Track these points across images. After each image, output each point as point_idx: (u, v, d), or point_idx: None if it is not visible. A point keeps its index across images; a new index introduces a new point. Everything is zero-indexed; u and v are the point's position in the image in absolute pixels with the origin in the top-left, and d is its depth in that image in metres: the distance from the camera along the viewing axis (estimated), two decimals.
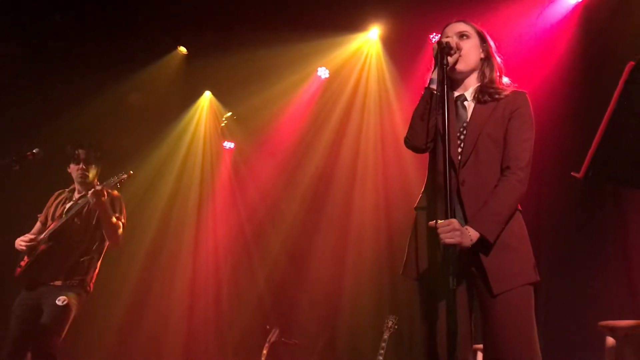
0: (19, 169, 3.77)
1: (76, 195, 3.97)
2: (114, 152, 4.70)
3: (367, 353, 5.07)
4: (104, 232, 3.83)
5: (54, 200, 4.04)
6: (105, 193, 3.71)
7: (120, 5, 5.83)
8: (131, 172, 3.86)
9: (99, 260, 3.92)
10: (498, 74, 2.35)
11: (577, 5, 4.76)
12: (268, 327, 5.35)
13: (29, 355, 3.59)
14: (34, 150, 3.85)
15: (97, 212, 3.77)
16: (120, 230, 3.86)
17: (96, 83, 5.96)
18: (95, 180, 3.97)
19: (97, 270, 3.91)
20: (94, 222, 3.86)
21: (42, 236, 3.79)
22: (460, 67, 2.29)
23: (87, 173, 3.91)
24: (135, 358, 6.01)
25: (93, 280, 3.87)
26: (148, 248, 6.41)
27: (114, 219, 3.80)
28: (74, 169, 3.95)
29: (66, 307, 3.60)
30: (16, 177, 3.92)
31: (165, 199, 6.72)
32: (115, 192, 3.94)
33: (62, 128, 5.54)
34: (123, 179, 3.78)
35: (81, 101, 5.91)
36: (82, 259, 3.80)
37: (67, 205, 3.91)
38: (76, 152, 3.94)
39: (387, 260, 5.63)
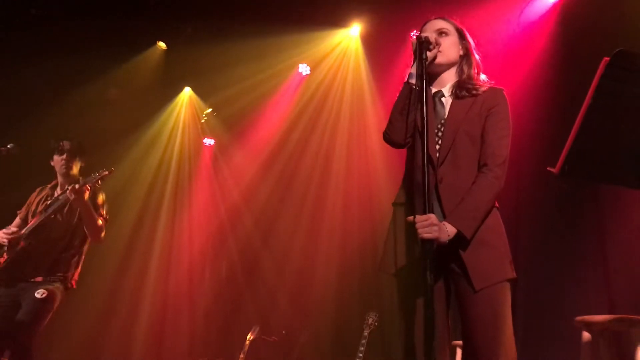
0: None
1: (58, 191, 3.91)
2: (92, 149, 4.65)
3: (347, 350, 5.07)
4: (85, 229, 3.77)
5: (35, 197, 3.98)
6: (87, 189, 3.66)
7: None
8: (113, 168, 3.81)
9: (81, 257, 3.87)
10: (476, 71, 2.36)
11: (555, 4, 4.81)
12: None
13: (6, 352, 3.53)
14: (8, 146, 3.80)
15: (79, 209, 3.72)
16: (103, 227, 3.82)
17: (74, 78, 5.88)
18: (78, 175, 3.92)
19: (79, 268, 3.86)
20: (75, 219, 3.81)
21: (22, 232, 3.73)
22: (439, 60, 2.31)
23: (70, 164, 3.87)
24: (111, 354, 5.96)
25: (75, 278, 3.81)
26: (124, 244, 6.35)
27: (96, 216, 3.75)
28: (57, 161, 3.90)
29: (45, 301, 3.55)
30: None
31: (142, 195, 6.67)
32: (97, 188, 3.89)
33: (39, 124, 5.46)
34: (104, 175, 3.72)
35: (59, 96, 5.83)
36: (63, 256, 3.74)
37: (49, 202, 3.85)
38: (60, 143, 3.89)
39: (367, 256, 5.64)
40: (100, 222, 3.79)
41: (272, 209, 6.47)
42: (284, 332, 5.57)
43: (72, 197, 3.59)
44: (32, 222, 3.76)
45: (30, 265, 3.67)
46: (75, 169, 3.92)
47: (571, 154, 1.49)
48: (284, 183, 6.44)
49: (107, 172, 3.73)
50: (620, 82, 1.44)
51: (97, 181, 3.72)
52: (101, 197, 3.90)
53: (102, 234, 3.84)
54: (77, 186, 3.60)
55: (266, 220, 6.50)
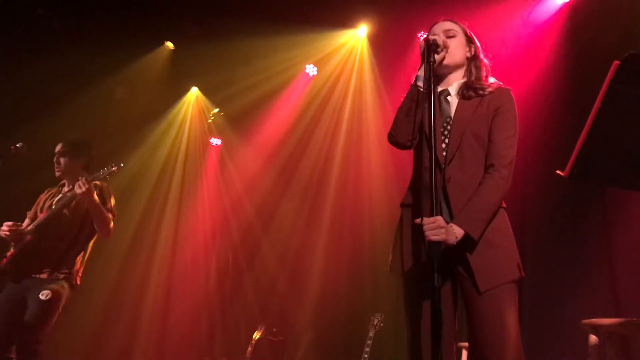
0: (2, 164, 3.72)
1: (65, 189, 3.92)
2: (99, 148, 4.66)
3: (352, 350, 5.07)
4: (94, 224, 3.76)
5: (44, 196, 3.99)
6: (92, 185, 3.66)
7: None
8: (121, 164, 3.81)
9: (86, 253, 3.86)
10: (484, 73, 2.36)
11: (564, 6, 4.80)
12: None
13: (13, 349, 3.54)
14: (17, 145, 3.80)
15: (86, 204, 3.72)
16: (111, 222, 3.80)
17: (82, 78, 5.91)
18: (84, 173, 3.91)
19: (84, 264, 3.85)
20: (82, 215, 3.79)
21: (29, 227, 3.74)
22: (446, 61, 2.30)
23: (65, 167, 3.86)
24: (116, 351, 5.97)
25: (80, 274, 3.80)
26: (129, 243, 6.38)
27: (105, 211, 3.75)
28: (54, 163, 3.91)
29: (50, 302, 3.53)
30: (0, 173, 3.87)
31: (147, 194, 6.69)
32: (104, 183, 3.90)
33: (47, 122, 5.48)
34: (113, 171, 3.73)
35: (67, 95, 5.85)
36: (69, 252, 3.73)
37: (56, 199, 3.86)
38: (56, 147, 3.92)
39: (372, 257, 5.65)
40: (107, 215, 3.78)
41: (279, 210, 6.49)
42: (280, 338, 5.55)
43: (80, 190, 3.58)
44: (39, 218, 3.77)
45: (36, 260, 3.67)
46: (76, 169, 3.88)
47: (580, 158, 1.48)
48: (291, 184, 6.45)
49: (115, 168, 3.74)
50: (630, 85, 1.44)
51: (105, 177, 3.73)
52: (107, 191, 3.90)
53: (111, 229, 3.82)
54: (84, 180, 3.59)
55: (273, 220, 6.50)
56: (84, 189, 3.57)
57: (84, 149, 3.99)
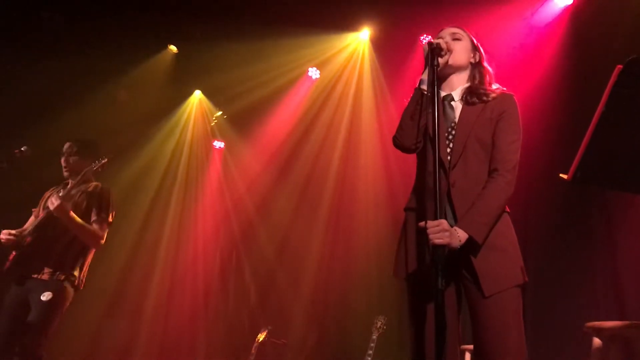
0: (6, 166, 3.74)
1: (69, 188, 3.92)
2: (103, 150, 4.67)
3: (355, 353, 5.07)
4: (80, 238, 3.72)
5: (48, 194, 3.99)
6: (68, 204, 3.61)
7: (110, 3, 5.81)
8: (111, 156, 3.82)
9: (88, 255, 3.82)
10: (488, 79, 2.37)
11: (566, 9, 4.80)
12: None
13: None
14: (21, 148, 3.81)
15: (63, 220, 3.65)
16: (98, 233, 3.74)
17: (86, 81, 5.93)
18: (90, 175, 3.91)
19: (86, 266, 3.81)
20: (79, 214, 3.74)
21: (28, 228, 3.74)
22: (450, 61, 2.31)
23: (68, 165, 3.87)
24: (117, 353, 5.97)
25: (82, 276, 3.76)
26: (133, 245, 6.38)
27: (84, 226, 3.68)
28: (62, 163, 3.92)
29: (51, 304, 3.52)
30: (4, 175, 3.87)
31: (151, 196, 6.70)
32: (105, 187, 3.89)
33: (53, 126, 5.50)
34: (104, 163, 3.73)
35: (71, 100, 5.87)
36: (68, 251, 3.70)
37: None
38: (64, 146, 3.92)
39: (376, 260, 5.64)
40: (92, 230, 3.72)
41: (281, 213, 6.49)
42: (284, 340, 5.55)
43: (52, 206, 3.53)
44: (38, 218, 3.78)
45: (36, 260, 3.66)
46: (77, 167, 3.85)
47: (584, 161, 1.49)
48: (293, 187, 6.46)
49: (106, 160, 3.74)
50: (633, 89, 1.44)
51: (97, 170, 3.73)
52: (106, 195, 3.86)
53: (100, 239, 3.75)
54: (57, 195, 3.55)
55: (275, 223, 6.51)
56: (55, 204, 3.54)
57: (93, 149, 3.99)
